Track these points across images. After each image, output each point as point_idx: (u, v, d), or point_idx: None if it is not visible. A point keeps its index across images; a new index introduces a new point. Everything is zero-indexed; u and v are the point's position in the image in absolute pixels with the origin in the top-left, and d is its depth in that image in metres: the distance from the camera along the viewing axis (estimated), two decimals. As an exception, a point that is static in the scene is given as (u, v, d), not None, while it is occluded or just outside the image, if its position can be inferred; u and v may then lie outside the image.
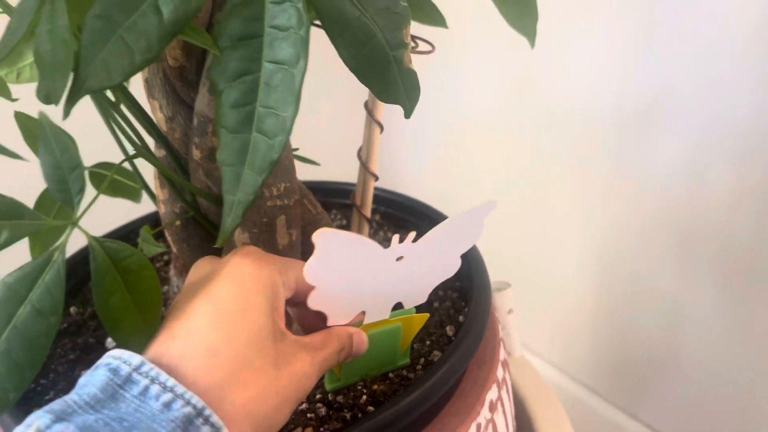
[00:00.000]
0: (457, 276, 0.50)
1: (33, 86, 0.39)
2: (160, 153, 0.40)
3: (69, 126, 0.32)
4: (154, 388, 0.27)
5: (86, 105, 0.33)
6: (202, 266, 0.35)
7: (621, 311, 0.86)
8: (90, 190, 0.35)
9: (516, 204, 0.94)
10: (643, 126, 0.74)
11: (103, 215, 0.46)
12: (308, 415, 0.38)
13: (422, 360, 0.43)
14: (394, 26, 0.28)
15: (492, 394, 0.44)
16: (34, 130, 0.41)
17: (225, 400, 0.28)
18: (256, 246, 0.36)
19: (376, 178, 0.49)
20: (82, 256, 0.53)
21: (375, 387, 0.40)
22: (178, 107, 0.38)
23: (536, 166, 0.90)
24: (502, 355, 0.47)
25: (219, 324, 0.29)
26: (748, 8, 0.61)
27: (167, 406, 0.26)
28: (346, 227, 0.59)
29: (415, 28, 0.39)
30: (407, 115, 0.31)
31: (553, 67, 0.82)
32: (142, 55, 0.27)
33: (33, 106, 0.33)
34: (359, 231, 0.51)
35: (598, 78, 0.77)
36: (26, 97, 0.36)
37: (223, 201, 0.30)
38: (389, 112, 0.47)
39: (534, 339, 1.01)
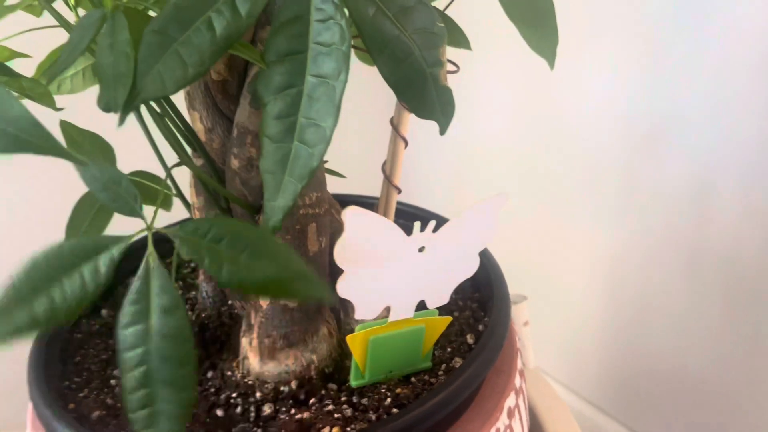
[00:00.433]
0: (477, 287, 0.52)
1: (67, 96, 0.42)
2: (198, 162, 0.42)
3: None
4: None
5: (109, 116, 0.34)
6: None
7: (629, 330, 0.87)
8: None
9: (527, 221, 0.95)
10: (653, 147, 0.76)
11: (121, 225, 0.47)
12: (335, 415, 0.40)
13: (444, 366, 0.44)
14: (431, 45, 0.30)
15: (510, 401, 0.45)
16: (77, 138, 0.43)
17: None
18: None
19: (399, 191, 0.51)
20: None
21: (399, 390, 0.42)
22: (217, 118, 0.40)
23: (548, 185, 0.92)
24: (519, 364, 0.49)
25: None
26: (756, 33, 0.63)
27: None
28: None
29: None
30: (442, 131, 0.33)
31: (565, 89, 0.84)
32: (195, 69, 0.29)
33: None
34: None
35: (609, 100, 0.79)
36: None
37: (264, 207, 0.32)
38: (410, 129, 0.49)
39: (542, 357, 1.01)
